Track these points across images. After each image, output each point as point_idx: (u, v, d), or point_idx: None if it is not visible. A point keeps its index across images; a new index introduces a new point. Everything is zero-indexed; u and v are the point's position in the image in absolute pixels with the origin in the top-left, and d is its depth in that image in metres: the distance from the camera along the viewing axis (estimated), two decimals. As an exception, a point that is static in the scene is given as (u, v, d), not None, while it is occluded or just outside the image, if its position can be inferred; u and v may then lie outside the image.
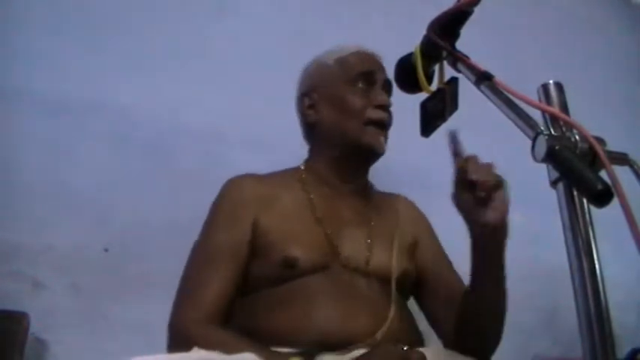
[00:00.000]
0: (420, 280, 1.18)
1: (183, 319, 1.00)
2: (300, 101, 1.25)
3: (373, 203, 1.21)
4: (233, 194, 1.14)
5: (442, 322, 1.13)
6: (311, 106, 1.21)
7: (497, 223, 0.90)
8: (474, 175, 0.86)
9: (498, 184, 0.89)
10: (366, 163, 1.21)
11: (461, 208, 0.91)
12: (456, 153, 0.91)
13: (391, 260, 1.11)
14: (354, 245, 1.10)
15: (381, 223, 1.17)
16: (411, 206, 1.27)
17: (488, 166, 0.89)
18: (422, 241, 1.21)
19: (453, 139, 0.91)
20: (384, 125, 1.16)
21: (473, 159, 0.88)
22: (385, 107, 1.16)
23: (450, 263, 1.19)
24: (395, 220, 1.19)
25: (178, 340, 0.97)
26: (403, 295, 1.13)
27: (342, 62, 1.20)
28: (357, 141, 1.14)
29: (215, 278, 1.04)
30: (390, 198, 1.26)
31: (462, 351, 1.02)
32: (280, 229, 1.08)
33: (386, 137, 1.17)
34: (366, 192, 1.23)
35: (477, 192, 0.87)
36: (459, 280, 1.14)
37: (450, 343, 1.09)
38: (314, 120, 1.20)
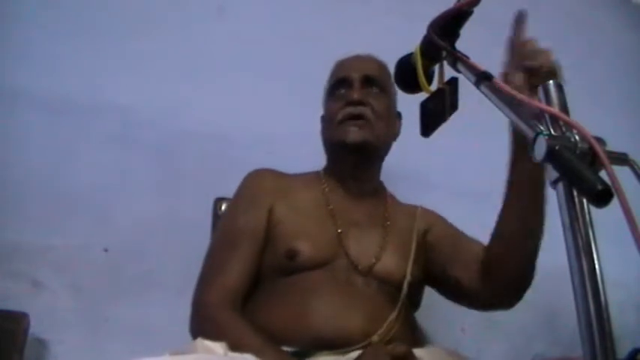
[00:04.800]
0: (436, 255, 1.17)
1: (205, 300, 1.05)
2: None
3: (391, 210, 1.22)
4: (254, 183, 1.20)
5: (468, 283, 1.10)
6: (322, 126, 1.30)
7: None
8: (529, 61, 0.84)
9: (553, 70, 0.85)
10: (351, 159, 1.20)
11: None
12: (517, 34, 0.88)
13: (400, 267, 1.11)
14: (362, 246, 1.12)
15: (396, 228, 1.18)
16: (429, 210, 1.27)
17: (547, 52, 0.86)
18: (434, 225, 1.21)
19: (520, 19, 0.88)
20: (355, 117, 1.17)
21: (532, 42, 0.86)
22: (353, 103, 1.18)
23: (467, 235, 1.18)
24: (411, 227, 1.20)
25: (200, 320, 1.03)
26: (410, 301, 1.13)
27: (330, 76, 1.29)
28: (333, 141, 1.20)
29: (236, 260, 1.08)
30: (410, 207, 1.27)
31: (494, 299, 1.06)
32: (290, 221, 1.12)
33: (361, 126, 1.17)
34: (381, 198, 1.25)
35: (532, 77, 0.84)
36: (479, 243, 1.13)
37: (481, 299, 1.10)
38: (322, 137, 1.28)
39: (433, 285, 1.22)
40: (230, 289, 1.05)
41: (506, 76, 0.86)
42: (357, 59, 1.26)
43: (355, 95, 1.18)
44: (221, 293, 1.04)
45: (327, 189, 1.20)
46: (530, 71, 0.85)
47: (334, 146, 1.21)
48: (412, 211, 1.25)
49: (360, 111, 1.17)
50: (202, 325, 1.01)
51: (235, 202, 1.20)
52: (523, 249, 1.00)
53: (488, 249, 1.07)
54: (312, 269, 1.06)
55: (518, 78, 0.85)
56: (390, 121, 1.24)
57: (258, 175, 1.21)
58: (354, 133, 1.16)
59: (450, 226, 1.23)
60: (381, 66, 1.25)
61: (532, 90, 0.83)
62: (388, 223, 1.18)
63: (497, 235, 1.04)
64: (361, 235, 1.13)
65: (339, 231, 1.12)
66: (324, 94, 1.28)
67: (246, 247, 1.10)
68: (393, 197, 1.28)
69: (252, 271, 1.09)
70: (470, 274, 1.10)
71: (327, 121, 1.24)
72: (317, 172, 1.26)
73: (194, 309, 1.05)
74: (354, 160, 1.20)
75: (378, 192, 1.26)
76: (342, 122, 1.18)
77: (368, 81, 1.21)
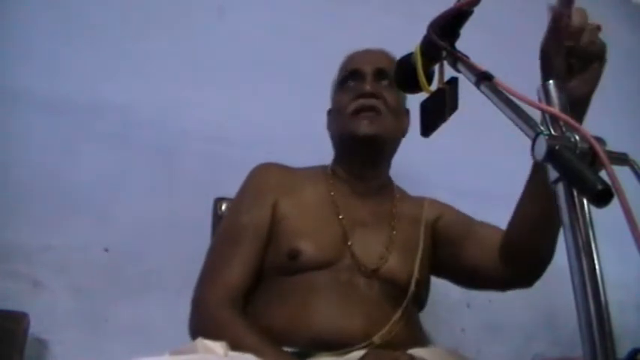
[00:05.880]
0: (449, 240, 1.17)
1: (206, 299, 1.04)
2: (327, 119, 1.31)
3: (399, 205, 1.21)
4: (259, 178, 1.18)
5: (486, 265, 1.09)
6: (330, 120, 1.28)
7: (581, 97, 0.78)
8: (571, 41, 0.73)
9: (601, 53, 0.76)
10: (361, 152, 1.19)
11: (547, 67, 0.77)
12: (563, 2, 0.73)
13: (406, 268, 1.11)
14: (366, 247, 1.10)
15: (404, 229, 1.16)
16: (437, 201, 1.27)
17: (594, 30, 0.74)
18: (445, 213, 1.21)
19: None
20: (367, 109, 1.16)
21: (580, 13, 0.73)
22: (365, 95, 1.17)
23: (480, 221, 1.18)
24: (419, 220, 1.19)
25: (199, 318, 1.02)
26: (415, 300, 1.12)
27: (339, 69, 1.27)
28: (343, 133, 1.18)
29: (239, 258, 1.07)
30: (417, 200, 1.25)
31: (514, 280, 1.05)
32: (294, 218, 1.11)
33: (373, 119, 1.15)
34: (389, 193, 1.23)
35: (571, 58, 0.75)
36: (494, 226, 1.13)
37: (500, 280, 1.09)
38: (330, 132, 1.27)
39: (446, 272, 1.21)
40: (231, 288, 1.04)
41: (545, 55, 0.77)
42: (369, 52, 1.25)
43: (368, 87, 1.17)
44: (222, 291, 1.03)
45: (333, 186, 1.19)
46: (572, 52, 0.75)
47: (344, 139, 1.19)
48: (420, 202, 1.24)
49: (372, 103, 1.16)
50: (202, 324, 1.00)
51: (240, 197, 1.19)
52: (547, 230, 0.95)
53: (509, 231, 1.04)
54: (314, 270, 1.05)
55: (558, 62, 0.76)
56: (400, 116, 1.23)
57: (263, 169, 1.20)
58: (366, 126, 1.14)
59: (461, 213, 1.22)
60: (392, 60, 1.20)
61: (569, 72, 0.77)
62: (395, 219, 1.17)
63: (519, 216, 1.01)
64: (367, 235, 1.12)
65: (345, 231, 1.10)
66: (334, 87, 1.27)
67: (248, 244, 1.09)
68: (400, 191, 1.27)
69: (254, 270, 1.08)
70: (488, 255, 1.08)
71: (337, 113, 1.21)
72: (324, 167, 1.25)
73: (194, 307, 1.04)
74: (363, 153, 1.19)
75: (386, 188, 1.24)
76: (354, 114, 1.16)
77: (380, 74, 1.19)
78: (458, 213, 1.22)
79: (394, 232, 1.14)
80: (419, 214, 1.20)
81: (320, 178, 1.21)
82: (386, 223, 1.16)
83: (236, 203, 1.19)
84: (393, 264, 1.10)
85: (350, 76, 1.21)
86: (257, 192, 1.16)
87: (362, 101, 1.16)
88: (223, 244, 1.12)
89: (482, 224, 1.17)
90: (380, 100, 1.17)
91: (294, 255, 1.05)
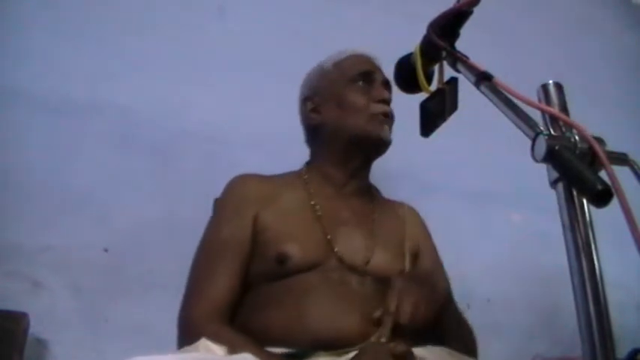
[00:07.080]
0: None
1: (192, 316, 1.02)
2: (302, 106, 1.27)
3: (377, 206, 1.22)
4: (236, 191, 1.17)
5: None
6: (313, 110, 1.24)
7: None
8: None
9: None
10: (370, 154, 1.21)
11: None
12: None
13: (395, 261, 1.12)
14: (352, 244, 1.11)
15: (385, 226, 1.17)
16: (415, 214, 1.29)
17: None
18: (423, 250, 1.22)
19: None
20: (387, 116, 1.19)
21: None
22: (386, 101, 1.20)
23: (443, 273, 1.21)
24: (401, 225, 1.21)
25: (187, 337, 0.99)
26: None
27: (341, 65, 1.25)
28: (363, 132, 1.17)
29: (222, 273, 1.06)
30: (395, 204, 1.27)
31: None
32: (277, 226, 1.10)
33: (390, 128, 1.19)
34: (369, 193, 1.25)
35: None
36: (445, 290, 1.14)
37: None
38: (317, 122, 1.23)
39: None
40: (216, 302, 1.03)
41: None
42: (374, 59, 1.26)
43: (387, 95, 1.20)
44: (208, 307, 1.02)
45: (311, 188, 1.18)
46: None
47: (358, 137, 1.17)
48: (399, 209, 1.26)
49: (391, 112, 1.20)
50: (189, 343, 0.96)
51: (219, 211, 1.18)
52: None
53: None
54: (304, 272, 1.05)
55: None
56: None
57: (240, 182, 1.18)
58: (387, 133, 1.18)
59: (434, 255, 1.24)
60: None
61: None
62: (375, 215, 1.19)
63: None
64: (350, 234, 1.13)
65: (329, 237, 1.10)
66: (332, 80, 1.23)
67: (230, 257, 1.08)
68: (377, 191, 1.29)
69: (239, 282, 1.07)
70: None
71: (349, 110, 1.18)
72: (298, 172, 1.24)
73: (182, 327, 1.03)
74: (371, 155, 1.21)
75: (369, 188, 1.26)
76: (375, 117, 1.17)
77: (386, 84, 1.22)
78: (431, 256, 1.23)
79: (375, 230, 1.15)
80: (401, 219, 1.23)
81: (297, 184, 1.20)
82: (367, 221, 1.17)
83: (215, 218, 1.18)
84: (380, 259, 1.11)
85: (362, 76, 1.21)
86: (236, 206, 1.14)
87: (385, 107, 1.19)
88: (205, 259, 1.10)
89: (438, 274, 1.18)
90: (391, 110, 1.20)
91: (282, 259, 1.05)
